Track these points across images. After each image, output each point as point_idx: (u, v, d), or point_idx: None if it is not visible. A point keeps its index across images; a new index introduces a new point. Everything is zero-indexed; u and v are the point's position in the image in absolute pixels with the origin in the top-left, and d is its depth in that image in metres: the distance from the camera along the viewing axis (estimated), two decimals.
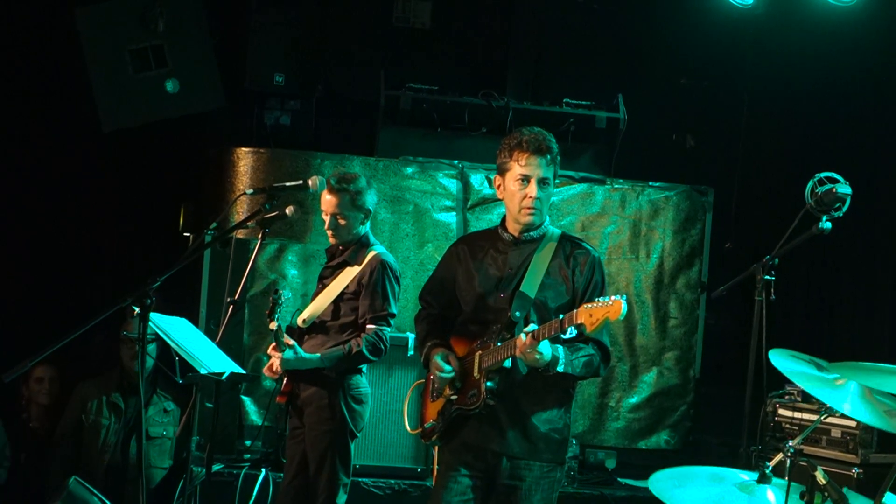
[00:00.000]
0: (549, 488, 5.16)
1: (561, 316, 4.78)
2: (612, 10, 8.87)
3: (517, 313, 5.03)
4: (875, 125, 8.12)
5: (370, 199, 6.41)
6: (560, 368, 4.90)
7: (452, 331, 5.30)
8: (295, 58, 8.49)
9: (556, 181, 5.24)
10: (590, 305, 4.74)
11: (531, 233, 5.23)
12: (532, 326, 4.82)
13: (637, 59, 8.92)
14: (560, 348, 4.92)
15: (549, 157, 5.17)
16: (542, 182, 5.16)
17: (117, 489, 6.96)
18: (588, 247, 5.32)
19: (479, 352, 5.06)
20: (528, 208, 5.18)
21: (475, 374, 5.09)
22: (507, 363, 4.96)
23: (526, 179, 5.14)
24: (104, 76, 8.07)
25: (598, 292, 5.13)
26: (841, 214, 5.77)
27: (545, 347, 4.81)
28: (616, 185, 8.60)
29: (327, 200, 6.32)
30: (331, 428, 6.23)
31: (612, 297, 4.67)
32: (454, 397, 5.13)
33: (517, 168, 5.15)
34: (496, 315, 5.11)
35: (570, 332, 4.82)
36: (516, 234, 5.22)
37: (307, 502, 6.35)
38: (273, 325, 6.07)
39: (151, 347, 7.15)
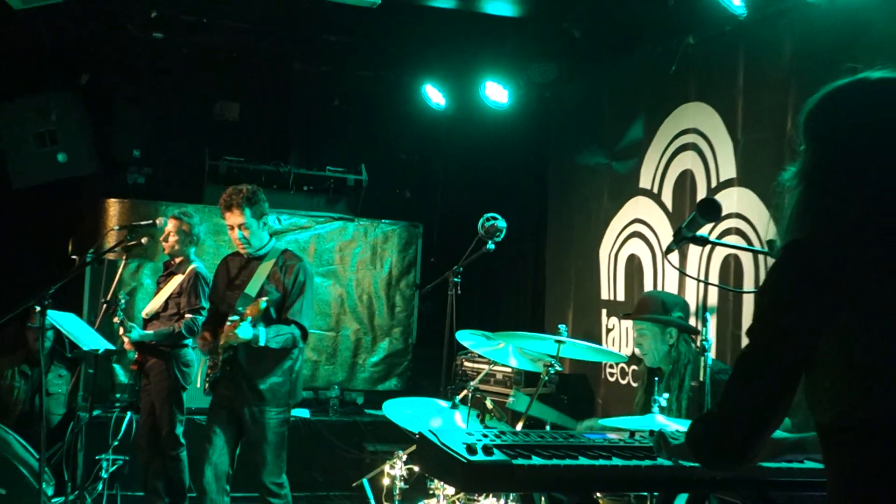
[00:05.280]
0: (279, 424, 5.20)
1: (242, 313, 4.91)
2: (357, 108, 8.94)
3: (239, 308, 5.05)
4: (520, 183, 8.39)
5: (198, 231, 6.45)
6: (262, 343, 4.95)
7: (221, 322, 5.21)
8: (148, 138, 8.36)
9: (260, 219, 5.25)
10: (245, 307, 4.94)
11: (258, 252, 5.28)
12: (234, 318, 4.92)
13: (374, 140, 8.98)
14: (262, 329, 4.96)
15: (237, 209, 5.17)
16: (240, 226, 5.19)
17: (27, 430, 6.84)
18: (299, 257, 5.34)
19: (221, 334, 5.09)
20: (240, 246, 5.28)
21: (219, 349, 5.16)
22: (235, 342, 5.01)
23: (231, 228, 5.23)
24: (15, 151, 7.88)
25: (299, 289, 5.18)
26: (500, 239, 5.79)
27: (242, 331, 4.85)
28: (361, 223, 8.69)
29: (169, 230, 6.34)
30: (168, 384, 6.24)
31: (259, 301, 4.86)
32: (210, 365, 5.23)
33: (226, 221, 5.25)
34: (232, 309, 5.11)
35: (248, 320, 4.88)
36: (247, 254, 5.31)
37: (156, 432, 6.37)
38: (116, 319, 6.11)
39: (49, 333, 7.01)
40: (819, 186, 2.05)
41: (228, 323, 4.97)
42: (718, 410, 2.12)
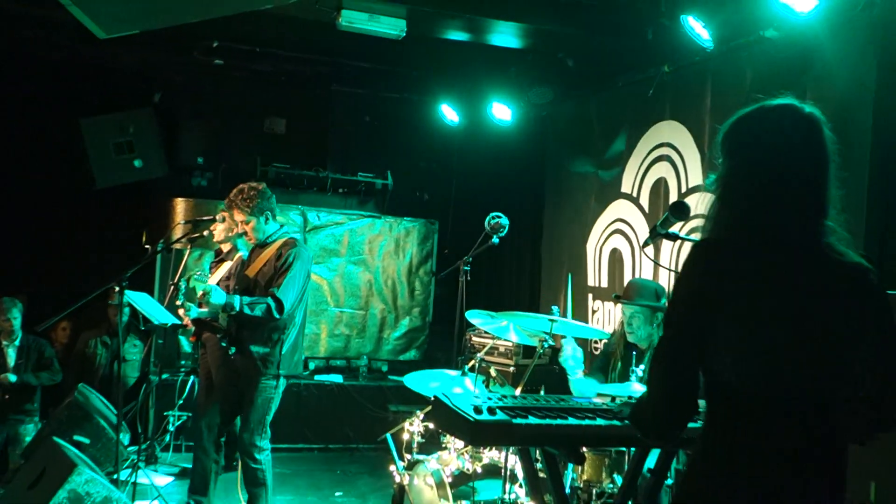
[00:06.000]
0: (267, 391, 4.88)
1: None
2: (384, 123, 8.93)
3: (237, 287, 4.88)
4: (521, 188, 8.32)
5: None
6: (237, 308, 4.64)
7: None
8: (209, 148, 8.36)
9: (262, 214, 4.95)
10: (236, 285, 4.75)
11: (264, 241, 5.01)
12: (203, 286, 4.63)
13: (398, 150, 8.96)
14: (236, 297, 4.66)
15: (236, 208, 4.88)
16: (241, 222, 4.92)
17: (107, 390, 6.90)
18: (296, 243, 4.95)
19: None
20: (249, 238, 5.03)
21: (220, 321, 4.94)
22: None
23: (238, 223, 4.98)
24: (98, 157, 7.87)
25: (285, 269, 4.79)
26: (503, 235, 5.64)
27: (215, 297, 4.58)
28: (387, 219, 8.72)
29: (219, 222, 6.33)
30: (222, 353, 6.20)
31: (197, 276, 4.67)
32: (222, 336, 4.96)
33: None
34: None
35: (216, 288, 4.66)
36: (254, 244, 5.08)
37: (213, 393, 6.39)
38: (178, 302, 6.01)
39: (126, 309, 7.05)
40: (729, 194, 2.10)
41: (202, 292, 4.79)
42: (647, 395, 2.12)
